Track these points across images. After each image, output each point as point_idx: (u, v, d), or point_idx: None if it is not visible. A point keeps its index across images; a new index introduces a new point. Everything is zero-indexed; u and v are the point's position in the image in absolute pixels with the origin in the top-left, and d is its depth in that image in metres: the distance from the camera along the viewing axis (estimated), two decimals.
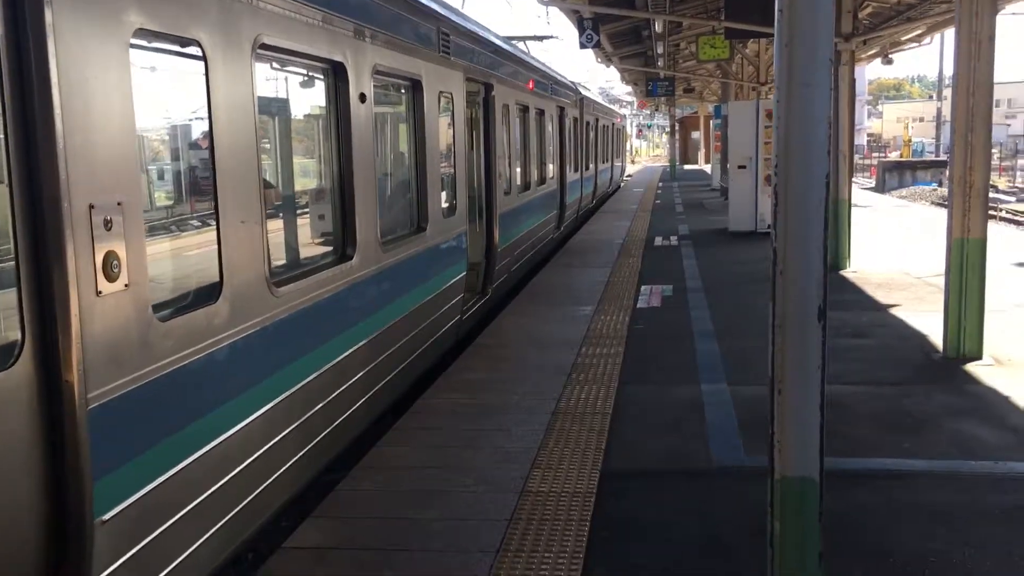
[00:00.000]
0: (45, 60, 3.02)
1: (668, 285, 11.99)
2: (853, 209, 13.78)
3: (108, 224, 3.29)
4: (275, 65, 5.45)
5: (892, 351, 8.30)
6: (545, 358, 8.14)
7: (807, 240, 2.55)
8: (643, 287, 11.87)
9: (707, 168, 46.51)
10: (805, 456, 2.82)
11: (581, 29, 17.03)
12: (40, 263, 3.07)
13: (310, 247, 6.16)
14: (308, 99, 6.33)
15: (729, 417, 6.44)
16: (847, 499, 4.94)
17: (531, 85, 13.67)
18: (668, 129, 55.66)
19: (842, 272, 12.80)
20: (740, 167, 17.23)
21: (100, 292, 3.25)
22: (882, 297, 10.89)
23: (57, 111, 3.05)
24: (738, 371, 7.59)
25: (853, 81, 13.32)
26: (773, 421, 2.83)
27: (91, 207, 3.21)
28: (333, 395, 5.54)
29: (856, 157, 44.64)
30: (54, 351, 3.09)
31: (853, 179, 14.03)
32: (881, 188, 40.47)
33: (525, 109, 13.21)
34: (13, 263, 3.03)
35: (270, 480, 4.67)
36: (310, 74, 5.90)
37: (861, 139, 69.97)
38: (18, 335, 3.04)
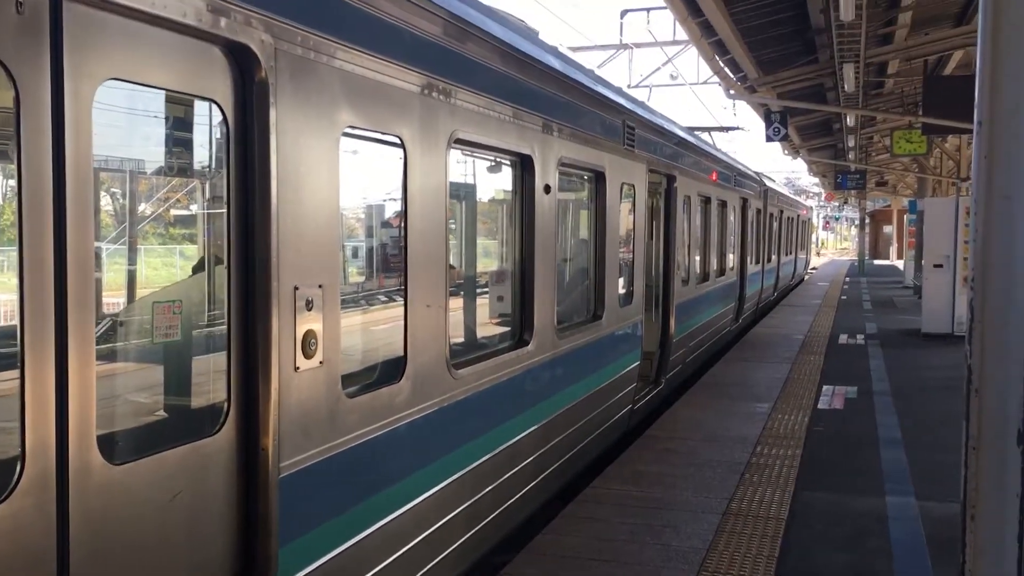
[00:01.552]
0: (267, 154, 3.34)
1: (852, 387, 11.43)
2: None
3: (309, 304, 3.55)
4: (467, 155, 5.75)
5: None
6: (718, 454, 7.93)
7: (1006, 358, 2.41)
8: (825, 387, 11.38)
9: (899, 264, 44.36)
10: None
11: (768, 122, 16.89)
12: (248, 337, 3.34)
13: (488, 329, 6.35)
14: (496, 187, 6.61)
15: (916, 535, 6.01)
16: None
17: (714, 176, 13.64)
18: (857, 222, 53.67)
19: None
20: (936, 265, 16.35)
21: (298, 368, 3.49)
22: None
23: (274, 200, 3.36)
24: (927, 484, 7.10)
25: None
26: (964, 549, 2.64)
27: (296, 288, 3.48)
28: (504, 477, 5.62)
29: None
30: (254, 420, 3.33)
31: None
32: None
33: (707, 200, 13.17)
34: (224, 330, 3.31)
35: (439, 558, 4.77)
36: (499, 164, 6.17)
37: None
38: (224, 403, 3.30)
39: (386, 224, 5.17)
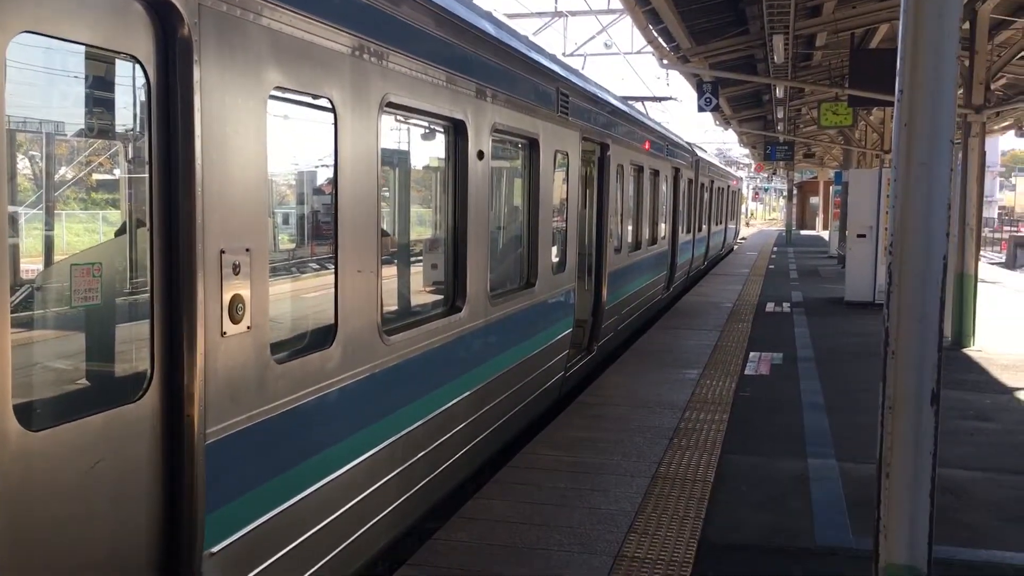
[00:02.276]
0: (191, 113, 3.25)
1: (778, 353, 11.71)
2: (980, 285, 13.22)
3: (236, 268, 3.49)
4: (399, 120, 5.68)
5: (1018, 436, 7.88)
6: (647, 420, 8.06)
7: (922, 322, 2.49)
8: (752, 354, 11.64)
9: (824, 235, 45.43)
10: (913, 544, 2.71)
11: (700, 92, 17.05)
12: (172, 302, 3.27)
13: (420, 296, 6.32)
14: (428, 153, 6.55)
15: (837, 495, 6.22)
16: None
17: (647, 145, 13.75)
18: (785, 193, 54.75)
19: (966, 350, 12.25)
20: (860, 236, 16.79)
21: (225, 333, 3.43)
22: (1009, 379, 10.36)
23: (198, 161, 3.27)
24: (848, 447, 7.34)
25: (983, 153, 12.87)
26: (880, 506, 2.74)
27: (222, 252, 3.41)
28: (435, 444, 5.63)
29: (986, 231, 42.81)
30: (179, 387, 3.27)
31: (981, 254, 13.47)
32: (1012, 264, 38.61)
33: (640, 169, 13.27)
34: (147, 297, 3.23)
35: (370, 524, 4.77)
36: (432, 129, 6.12)
37: (992, 212, 67.12)
38: (147, 369, 3.23)
39: (317, 190, 5.09)
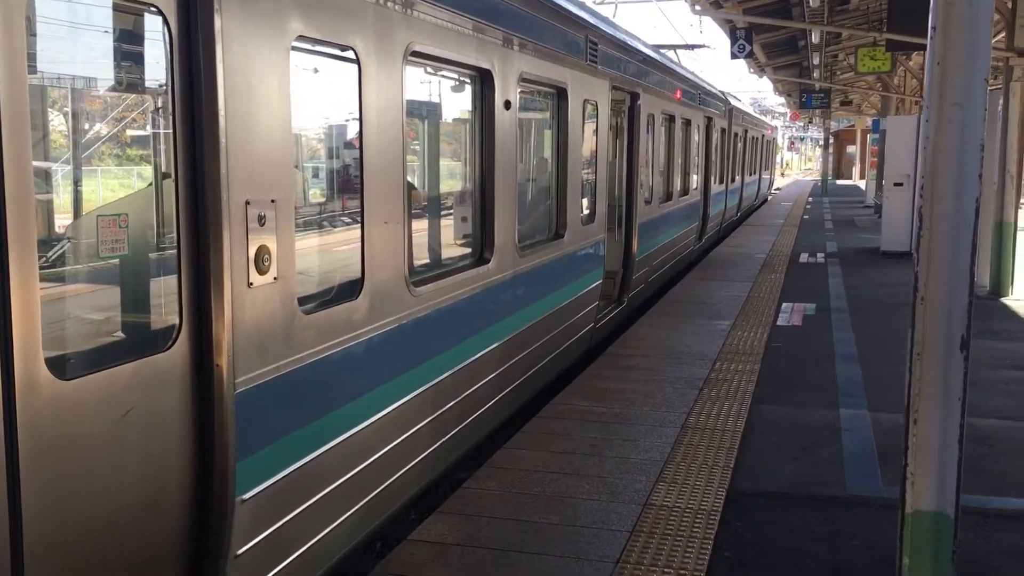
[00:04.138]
0: (213, 64, 3.24)
1: (811, 304, 11.61)
2: (1020, 234, 12.96)
3: (262, 220, 3.50)
4: (425, 70, 5.63)
5: None
6: (677, 371, 8.05)
7: (953, 267, 2.44)
8: (784, 304, 11.54)
9: (861, 184, 44.70)
10: (940, 491, 2.69)
11: (733, 39, 16.71)
12: (198, 253, 3.29)
13: (449, 248, 6.32)
14: (455, 104, 6.50)
15: (867, 444, 6.19)
16: (991, 540, 4.67)
17: (678, 95, 13.53)
18: (821, 142, 53.82)
19: (1004, 299, 12.05)
20: (896, 184, 16.49)
21: (251, 284, 3.45)
22: None
23: (221, 111, 3.27)
24: (880, 397, 7.28)
25: None
26: (907, 452, 2.72)
27: (247, 203, 3.42)
28: (465, 394, 5.66)
29: None
30: (208, 337, 3.30)
31: (1022, 201, 13.19)
32: None
33: (671, 119, 13.09)
34: (174, 251, 3.26)
35: (400, 472, 4.83)
36: (458, 80, 6.06)
37: None
38: (176, 320, 3.27)
39: (347, 143, 5.08)
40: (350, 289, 4.36)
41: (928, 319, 2.51)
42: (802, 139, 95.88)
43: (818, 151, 77.71)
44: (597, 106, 8.68)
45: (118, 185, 5.04)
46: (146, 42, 3.61)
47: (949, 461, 2.60)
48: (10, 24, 2.55)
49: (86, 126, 4.00)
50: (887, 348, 9.07)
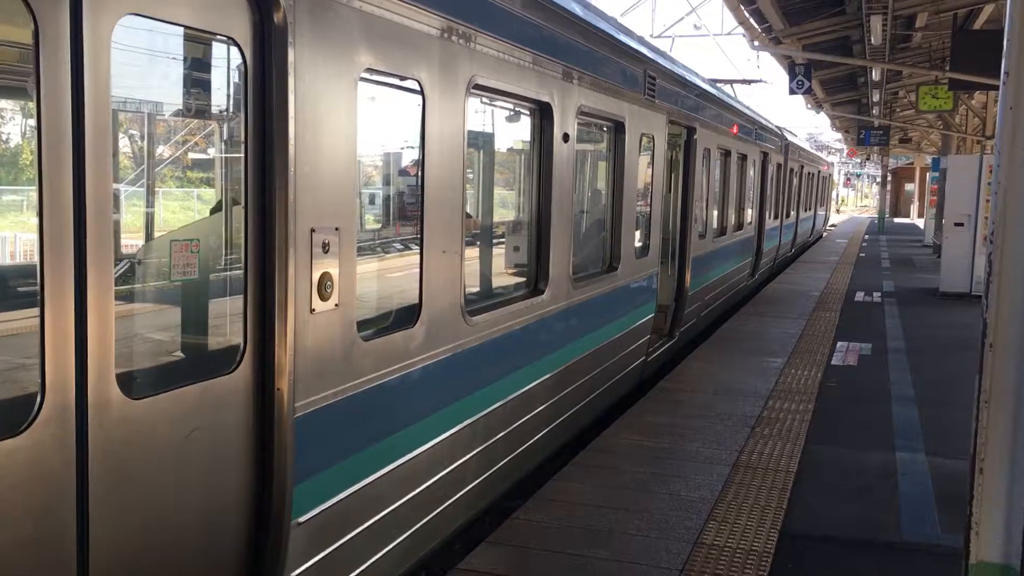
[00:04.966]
0: (285, 95, 3.33)
1: (867, 344, 11.41)
2: None
3: (326, 247, 3.57)
4: (486, 102, 5.71)
5: None
6: (729, 407, 7.96)
7: (1023, 314, 2.40)
8: (839, 343, 11.37)
9: (920, 223, 43.94)
10: (1007, 542, 2.62)
11: (792, 75, 16.64)
12: (264, 279, 3.36)
13: (503, 278, 6.36)
14: (514, 135, 6.57)
15: (925, 489, 6.05)
16: None
17: (734, 129, 13.50)
18: (879, 179, 53.08)
19: None
20: (957, 224, 16.19)
21: (313, 310, 3.52)
22: None
23: (292, 141, 3.35)
24: (939, 441, 7.12)
25: None
26: (972, 501, 2.66)
27: (312, 231, 3.49)
28: (516, 425, 5.67)
29: None
30: (270, 361, 3.37)
31: None
32: None
33: (727, 153, 13.05)
34: (241, 275, 3.34)
35: (451, 501, 4.84)
36: (518, 111, 6.13)
37: None
38: (240, 343, 3.34)
39: (403, 171, 5.16)
40: (407, 316, 4.41)
41: (997, 367, 2.47)
42: (858, 175, 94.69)
43: (875, 188, 76.65)
44: (654, 140, 8.69)
45: (178, 207, 5.19)
46: (217, 71, 3.73)
47: (1017, 512, 2.54)
48: (97, 52, 2.65)
49: (160, 150, 4.13)
50: (946, 390, 8.87)
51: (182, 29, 3.20)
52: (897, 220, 52.54)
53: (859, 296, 16.32)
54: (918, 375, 9.64)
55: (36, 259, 2.58)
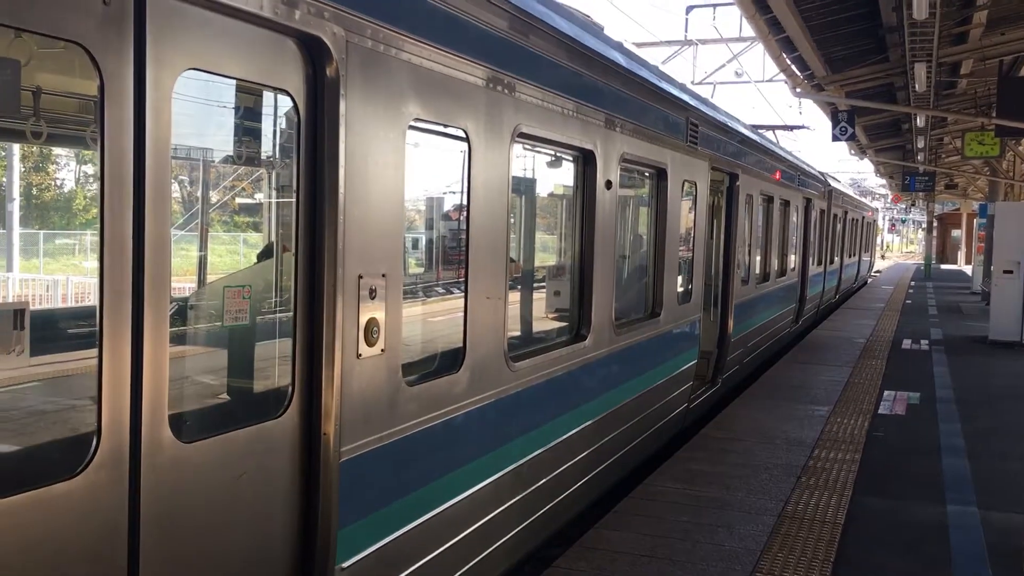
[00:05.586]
0: (336, 144, 3.41)
1: (915, 393, 11.20)
2: None
3: (373, 293, 3.62)
4: (529, 149, 5.78)
5: None
6: (774, 456, 7.85)
7: None
8: (886, 392, 11.17)
9: (967, 269, 43.22)
10: None
11: (835, 121, 16.59)
12: (312, 324, 3.42)
13: (546, 324, 6.37)
14: (557, 182, 6.63)
15: (977, 543, 5.89)
16: None
17: (777, 175, 13.47)
18: (924, 225, 52.42)
19: None
20: (1006, 272, 15.92)
21: (360, 355, 3.56)
22: None
23: (341, 189, 3.43)
24: (990, 494, 6.94)
25: None
26: None
27: (360, 277, 3.55)
28: (558, 471, 5.65)
29: None
30: (317, 405, 3.41)
31: None
32: None
33: (769, 199, 13.01)
34: (290, 321, 3.40)
35: (493, 547, 4.82)
36: (561, 159, 6.19)
37: None
38: (288, 388, 3.39)
39: (448, 217, 5.23)
40: (451, 362, 4.44)
41: None
42: (903, 221, 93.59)
43: (920, 233, 75.66)
44: (696, 186, 8.71)
45: (227, 251, 5.30)
46: (273, 122, 3.84)
47: None
48: (159, 105, 2.75)
49: (214, 197, 4.25)
50: (997, 441, 8.67)
51: (241, 83, 3.30)
52: (944, 267, 51.74)
53: (906, 344, 16.05)
54: (968, 425, 9.42)
55: (88, 302, 2.66)
